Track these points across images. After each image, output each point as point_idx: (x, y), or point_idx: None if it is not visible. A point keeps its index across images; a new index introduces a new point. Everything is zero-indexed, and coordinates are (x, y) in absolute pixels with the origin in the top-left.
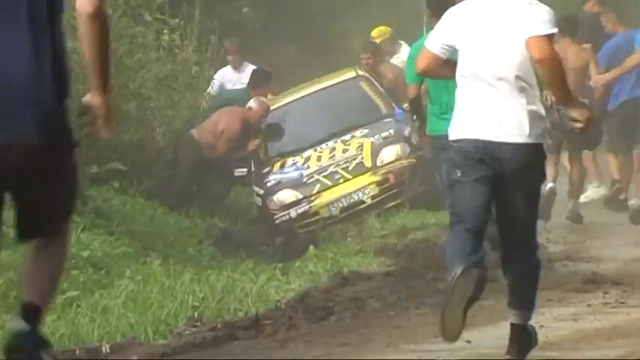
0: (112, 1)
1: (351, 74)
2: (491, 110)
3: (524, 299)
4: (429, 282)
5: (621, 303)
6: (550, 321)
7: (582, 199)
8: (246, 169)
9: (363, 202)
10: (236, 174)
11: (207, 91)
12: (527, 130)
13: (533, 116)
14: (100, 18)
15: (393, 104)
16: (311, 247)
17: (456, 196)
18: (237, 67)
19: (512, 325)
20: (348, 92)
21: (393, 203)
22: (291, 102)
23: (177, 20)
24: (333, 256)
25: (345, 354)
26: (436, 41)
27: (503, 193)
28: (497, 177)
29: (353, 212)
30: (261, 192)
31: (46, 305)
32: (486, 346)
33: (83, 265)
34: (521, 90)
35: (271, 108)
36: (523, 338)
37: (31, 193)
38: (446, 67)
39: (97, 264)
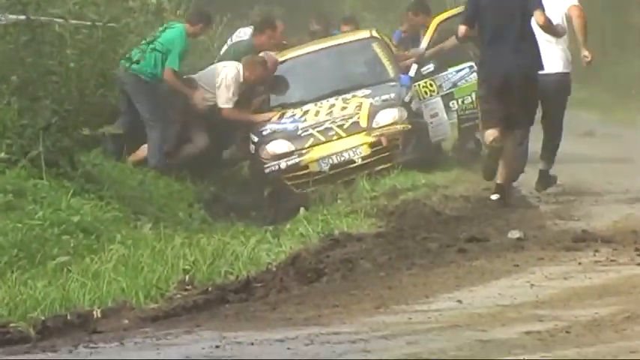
0: None
1: (364, 34)
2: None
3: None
4: (419, 242)
5: (612, 261)
6: (541, 280)
7: None
8: None
9: (353, 161)
10: None
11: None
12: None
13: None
14: None
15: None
16: (301, 209)
17: None
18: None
19: (540, 170)
20: (359, 52)
21: (383, 166)
22: (302, 55)
23: None
24: (324, 218)
25: (337, 315)
26: None
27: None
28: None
29: (342, 171)
30: (256, 140)
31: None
32: (477, 306)
33: (74, 230)
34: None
35: (282, 59)
36: (546, 179)
37: None
38: None
39: (88, 229)
